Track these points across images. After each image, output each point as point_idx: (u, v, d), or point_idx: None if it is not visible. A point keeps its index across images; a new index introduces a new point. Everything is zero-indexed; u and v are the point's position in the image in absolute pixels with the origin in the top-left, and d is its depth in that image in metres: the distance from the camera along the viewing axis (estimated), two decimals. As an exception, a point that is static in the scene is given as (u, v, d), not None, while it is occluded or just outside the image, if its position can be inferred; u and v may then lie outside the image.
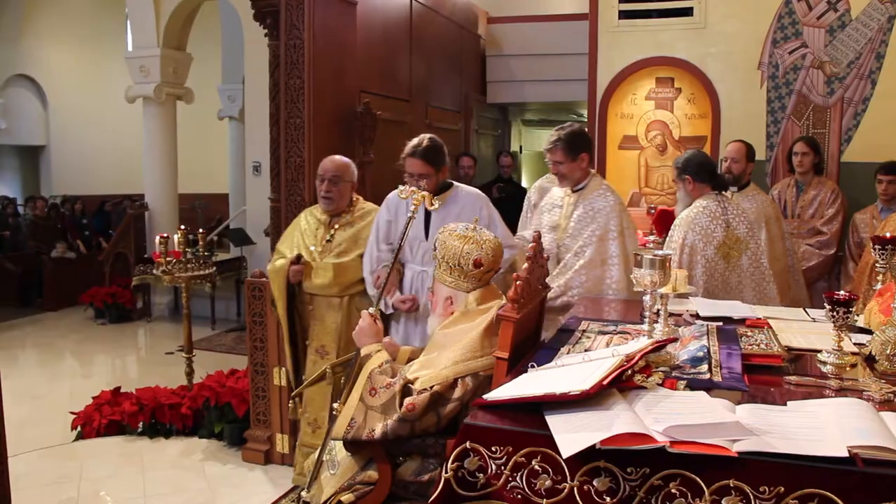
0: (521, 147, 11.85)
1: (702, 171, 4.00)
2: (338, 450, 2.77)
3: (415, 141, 3.79)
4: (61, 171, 15.82)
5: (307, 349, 4.23)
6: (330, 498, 2.62)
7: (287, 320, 4.23)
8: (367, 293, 4.05)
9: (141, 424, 5.44)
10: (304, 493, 2.84)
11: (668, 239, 4.03)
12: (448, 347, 2.52)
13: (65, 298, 10.68)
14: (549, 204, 4.21)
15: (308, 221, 4.22)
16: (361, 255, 4.05)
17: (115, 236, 10.96)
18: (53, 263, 11.00)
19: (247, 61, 9.17)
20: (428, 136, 3.82)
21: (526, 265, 2.49)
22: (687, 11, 6.77)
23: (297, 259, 4.09)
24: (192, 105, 11.36)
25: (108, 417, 5.46)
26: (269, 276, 4.28)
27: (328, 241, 4.12)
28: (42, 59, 15.40)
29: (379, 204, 4.10)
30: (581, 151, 3.94)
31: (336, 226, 4.15)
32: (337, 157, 4.15)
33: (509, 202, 6.27)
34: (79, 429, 5.47)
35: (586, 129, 4.07)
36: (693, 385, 2.08)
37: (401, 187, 3.01)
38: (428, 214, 3.78)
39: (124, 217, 11.08)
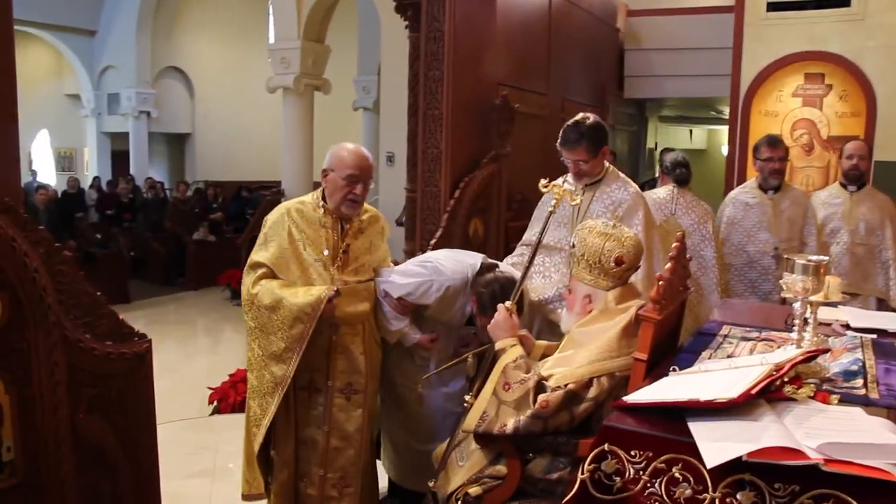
0: (656, 144, 11.58)
1: (669, 168, 4.86)
2: (467, 442, 2.77)
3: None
4: (205, 158, 16.66)
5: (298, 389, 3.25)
6: (458, 489, 2.63)
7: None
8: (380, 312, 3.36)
9: (273, 403, 5.63)
10: (430, 483, 2.85)
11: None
12: (584, 346, 2.47)
13: (204, 279, 11.18)
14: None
15: (300, 227, 3.20)
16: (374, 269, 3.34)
17: (253, 221, 11.39)
18: (195, 245, 11.56)
19: (383, 53, 9.33)
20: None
21: (669, 265, 2.41)
22: (844, 2, 6.40)
23: (337, 292, 3.10)
24: (328, 95, 11.67)
25: (243, 395, 5.67)
26: (267, 305, 3.11)
27: (344, 252, 3.23)
28: (191, 52, 16.24)
29: None
30: (603, 145, 3.54)
31: (350, 233, 3.26)
32: (364, 150, 3.27)
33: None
34: (215, 403, 5.72)
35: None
36: (847, 400, 1.96)
37: (543, 181, 2.95)
38: None
39: (262, 203, 11.51)
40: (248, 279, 3.19)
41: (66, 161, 17.61)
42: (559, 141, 3.54)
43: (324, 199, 3.24)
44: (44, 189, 11.06)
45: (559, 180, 3.48)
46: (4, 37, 2.29)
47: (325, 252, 3.18)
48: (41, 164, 17.09)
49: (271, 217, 3.26)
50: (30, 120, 16.26)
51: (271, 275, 3.16)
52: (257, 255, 3.20)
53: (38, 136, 17.27)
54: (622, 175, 3.72)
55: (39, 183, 13.22)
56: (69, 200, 12.79)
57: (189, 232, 11.82)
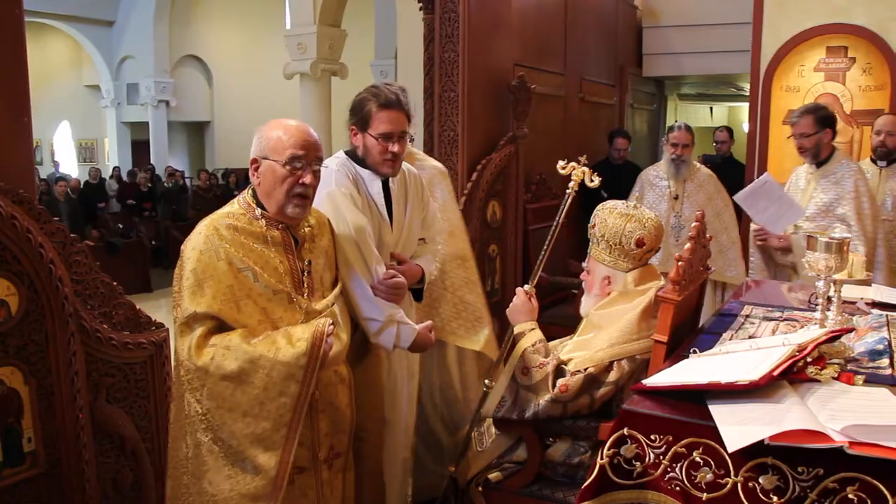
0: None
1: None
2: (486, 427, 2.76)
3: (384, 88, 2.80)
4: (224, 146, 16.72)
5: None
6: (477, 475, 2.62)
7: None
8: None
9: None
10: (451, 469, 2.84)
11: None
12: (604, 329, 2.44)
13: (224, 266, 11.16)
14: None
15: (240, 250, 2.19)
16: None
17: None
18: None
19: (399, 37, 9.25)
20: (396, 83, 2.84)
21: (688, 245, 2.38)
22: (867, -27, 6.25)
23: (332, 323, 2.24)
24: (346, 80, 11.64)
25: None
26: (232, 371, 2.09)
27: (306, 273, 2.31)
28: (208, 40, 16.28)
29: None
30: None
31: (305, 246, 2.34)
32: (308, 126, 2.35)
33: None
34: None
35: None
36: (872, 380, 1.92)
37: (561, 163, 2.90)
38: (388, 196, 2.77)
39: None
40: (183, 343, 2.13)
41: (87, 152, 17.77)
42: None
43: (258, 204, 2.28)
44: (63, 180, 11.14)
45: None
46: (15, 35, 2.28)
47: (286, 275, 2.25)
48: (63, 155, 17.25)
49: (194, 244, 2.20)
50: (51, 112, 16.40)
51: (218, 328, 2.15)
52: (191, 304, 2.12)
53: (60, 128, 17.42)
54: (420, 152, 3.56)
55: (60, 174, 13.34)
56: (92, 191, 12.89)
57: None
